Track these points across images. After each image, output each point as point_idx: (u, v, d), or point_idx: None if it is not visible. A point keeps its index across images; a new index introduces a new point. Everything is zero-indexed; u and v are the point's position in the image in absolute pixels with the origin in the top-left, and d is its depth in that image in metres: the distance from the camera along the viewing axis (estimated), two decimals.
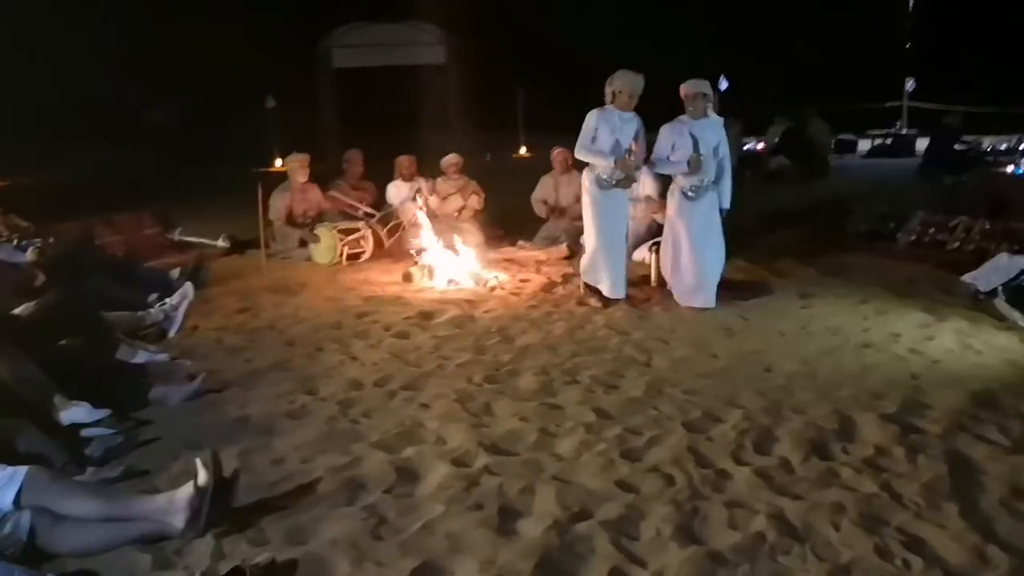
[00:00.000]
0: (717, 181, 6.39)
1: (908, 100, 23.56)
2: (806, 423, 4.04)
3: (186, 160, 16.97)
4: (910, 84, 23.63)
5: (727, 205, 6.48)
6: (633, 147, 6.26)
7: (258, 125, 20.49)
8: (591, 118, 6.25)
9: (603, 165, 6.24)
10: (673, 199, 6.48)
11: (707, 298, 6.33)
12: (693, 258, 6.35)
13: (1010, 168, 11.65)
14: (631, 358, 5.17)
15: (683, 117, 6.34)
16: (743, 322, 5.93)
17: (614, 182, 6.25)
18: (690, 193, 6.33)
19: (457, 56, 22.45)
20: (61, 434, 3.80)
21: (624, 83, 6.15)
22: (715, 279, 6.39)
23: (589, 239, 6.53)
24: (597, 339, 5.59)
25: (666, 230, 6.62)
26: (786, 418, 4.12)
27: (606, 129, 6.20)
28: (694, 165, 6.20)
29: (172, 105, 20.71)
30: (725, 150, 6.46)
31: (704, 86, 6.31)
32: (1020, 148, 14.68)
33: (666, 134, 6.34)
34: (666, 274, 6.63)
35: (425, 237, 7.77)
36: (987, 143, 16.25)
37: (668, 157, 6.36)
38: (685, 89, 6.31)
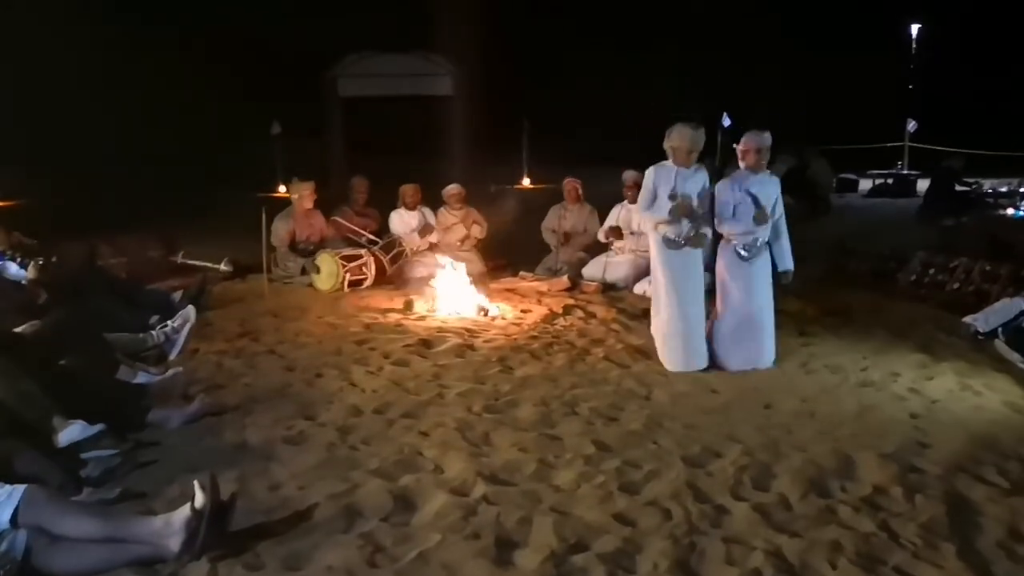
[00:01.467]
0: (770, 241, 5.85)
1: (909, 141, 23.74)
2: (805, 460, 4.03)
3: (191, 184, 17.07)
4: (912, 125, 23.82)
5: (790, 266, 5.94)
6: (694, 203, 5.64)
7: (264, 151, 20.62)
8: (648, 177, 5.75)
9: (665, 226, 5.63)
10: (724, 259, 5.80)
11: (767, 358, 5.76)
12: (750, 320, 5.70)
13: (1010, 211, 11.72)
14: (631, 391, 5.17)
15: (740, 172, 5.77)
16: None
17: (683, 240, 5.60)
18: (743, 253, 5.70)
19: (463, 87, 22.65)
20: (59, 454, 3.80)
21: (681, 139, 5.62)
22: (772, 340, 5.84)
23: (660, 308, 5.78)
24: (597, 371, 5.60)
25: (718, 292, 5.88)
26: (785, 455, 4.12)
27: (665, 187, 5.66)
28: (760, 218, 5.61)
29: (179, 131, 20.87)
30: (781, 208, 5.87)
31: (767, 140, 5.70)
32: (1021, 191, 14.76)
33: (726, 191, 5.72)
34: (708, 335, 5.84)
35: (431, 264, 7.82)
36: (988, 185, 16.37)
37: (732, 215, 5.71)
38: (749, 143, 5.70)
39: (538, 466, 3.95)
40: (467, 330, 6.68)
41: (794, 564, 3.09)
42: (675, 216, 5.59)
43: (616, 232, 8.81)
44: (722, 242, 5.84)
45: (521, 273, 9.07)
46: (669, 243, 5.65)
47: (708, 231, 5.74)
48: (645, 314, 7.11)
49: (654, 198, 5.73)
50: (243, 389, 5.11)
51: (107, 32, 19.29)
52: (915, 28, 29.66)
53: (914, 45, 29.58)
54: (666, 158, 5.77)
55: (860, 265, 9.29)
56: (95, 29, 18.65)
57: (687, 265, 5.70)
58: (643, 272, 8.41)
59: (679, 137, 5.64)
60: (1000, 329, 6.17)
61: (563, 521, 3.39)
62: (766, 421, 4.62)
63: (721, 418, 4.66)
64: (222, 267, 8.94)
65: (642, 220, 5.91)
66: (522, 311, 7.46)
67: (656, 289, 5.87)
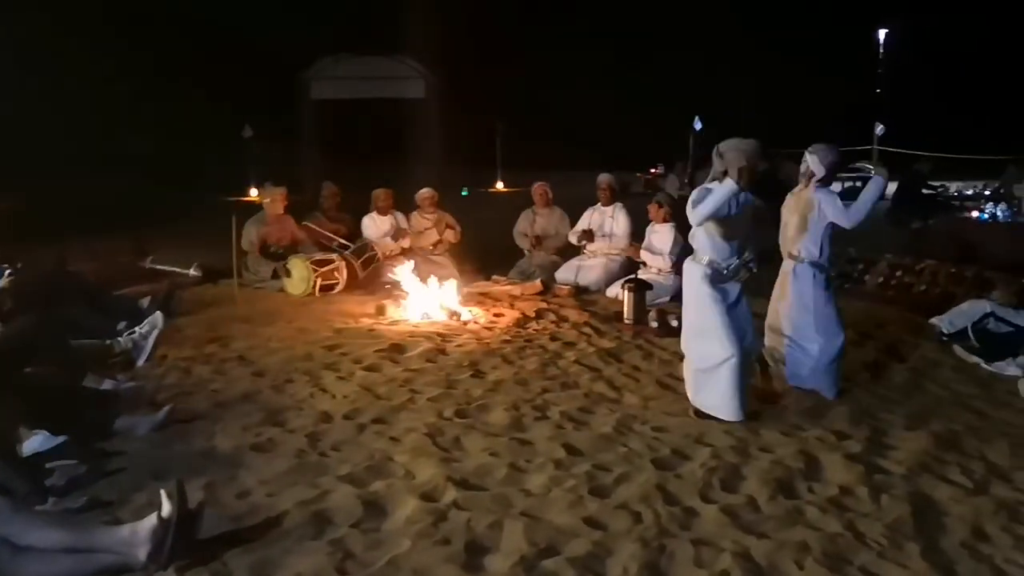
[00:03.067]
0: None
1: (878, 145, 24.05)
2: (773, 462, 4.08)
3: (163, 188, 16.93)
4: (880, 129, 24.12)
5: None
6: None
7: (236, 154, 20.48)
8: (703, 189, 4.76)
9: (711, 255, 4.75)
10: (820, 285, 5.23)
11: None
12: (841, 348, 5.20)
13: (975, 213, 11.91)
14: (602, 395, 5.19)
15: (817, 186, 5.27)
16: None
17: (730, 273, 4.79)
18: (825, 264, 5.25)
19: (437, 90, 22.66)
20: (24, 463, 3.75)
21: (743, 156, 4.67)
22: None
23: (716, 349, 4.69)
24: (569, 375, 5.61)
25: (805, 314, 5.24)
26: (753, 456, 4.16)
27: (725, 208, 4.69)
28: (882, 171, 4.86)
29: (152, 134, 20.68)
30: None
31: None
32: (985, 194, 15.02)
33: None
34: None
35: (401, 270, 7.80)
36: (954, 188, 16.65)
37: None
38: (829, 159, 5.29)
39: (509, 470, 3.96)
40: (439, 334, 6.67)
41: (762, 565, 3.12)
42: (738, 277, 4.83)
43: (588, 235, 8.84)
44: (808, 267, 5.24)
45: (494, 277, 9.08)
46: (717, 276, 4.77)
47: (754, 263, 4.92)
48: (617, 317, 7.19)
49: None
50: (212, 395, 5.07)
51: (77, 34, 19.08)
52: (882, 33, 30.07)
53: (881, 50, 29.98)
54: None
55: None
56: (65, 31, 18.45)
57: (736, 298, 4.83)
58: (615, 275, 8.46)
59: (741, 156, 4.66)
60: (962, 330, 6.27)
61: (533, 525, 3.40)
62: (734, 423, 4.65)
63: (690, 420, 4.69)
64: (192, 272, 8.86)
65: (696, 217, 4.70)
66: (495, 315, 7.46)
67: (702, 327, 4.77)
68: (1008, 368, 5.64)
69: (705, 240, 4.81)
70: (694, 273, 4.83)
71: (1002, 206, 11.41)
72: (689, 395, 4.87)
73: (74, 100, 19.31)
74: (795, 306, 5.30)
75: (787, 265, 5.38)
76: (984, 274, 7.75)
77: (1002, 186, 14.55)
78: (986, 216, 11.28)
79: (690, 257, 4.92)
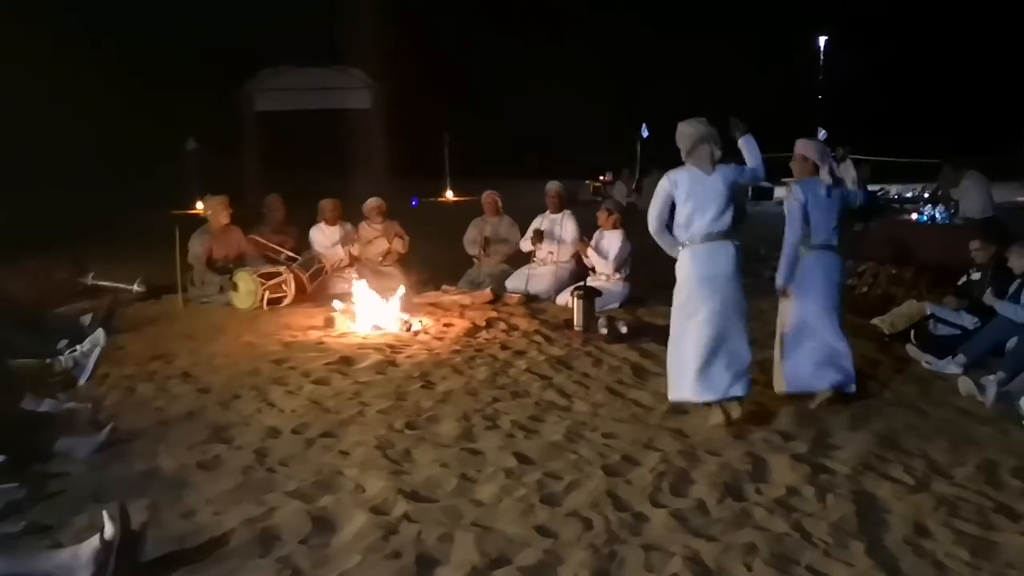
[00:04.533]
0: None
1: None
2: (721, 465, 4.13)
3: (102, 201, 16.58)
4: (822, 134, 24.63)
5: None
6: None
7: (179, 167, 20.17)
8: (662, 184, 4.99)
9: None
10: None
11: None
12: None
13: (914, 216, 12.17)
14: (552, 402, 5.20)
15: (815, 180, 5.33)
16: (659, 366, 5.99)
17: None
18: None
19: (383, 101, 22.58)
20: None
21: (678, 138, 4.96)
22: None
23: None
24: (519, 384, 5.61)
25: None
26: (701, 460, 4.21)
27: (683, 196, 4.89)
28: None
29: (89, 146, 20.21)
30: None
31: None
32: (924, 196, 15.36)
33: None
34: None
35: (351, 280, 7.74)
36: (894, 191, 17.03)
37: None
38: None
39: (459, 481, 3.95)
40: (389, 346, 6.62)
41: (711, 568, 3.15)
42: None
43: (540, 235, 8.86)
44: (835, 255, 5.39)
45: (444, 287, 9.05)
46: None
47: None
48: (567, 324, 7.20)
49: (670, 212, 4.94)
50: (155, 414, 4.97)
51: (10, 40, 18.58)
52: (822, 40, 30.78)
53: (822, 56, 30.69)
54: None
55: (773, 271, 9.50)
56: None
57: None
58: (564, 283, 8.48)
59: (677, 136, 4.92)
60: (912, 330, 6.41)
61: (484, 536, 3.39)
62: (682, 427, 4.70)
63: (639, 426, 4.73)
64: (135, 288, 8.68)
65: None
66: (445, 325, 7.44)
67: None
68: (948, 367, 5.79)
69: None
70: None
71: (940, 208, 11.67)
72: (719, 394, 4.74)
73: (5, 107, 18.77)
74: (825, 296, 5.29)
75: (818, 255, 5.31)
76: (923, 275, 7.94)
77: (939, 188, 14.91)
78: (925, 218, 11.53)
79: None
